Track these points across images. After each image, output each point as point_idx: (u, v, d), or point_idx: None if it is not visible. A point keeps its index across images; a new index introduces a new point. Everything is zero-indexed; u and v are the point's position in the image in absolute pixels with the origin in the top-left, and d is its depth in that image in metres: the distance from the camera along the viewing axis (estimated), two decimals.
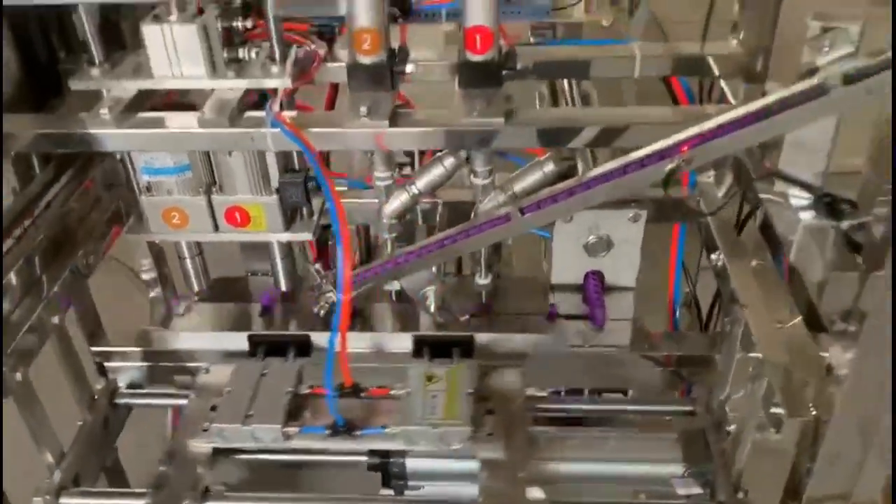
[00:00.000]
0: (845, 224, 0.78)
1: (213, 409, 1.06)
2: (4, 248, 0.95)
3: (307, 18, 1.02)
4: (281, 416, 1.02)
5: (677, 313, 1.24)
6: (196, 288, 1.25)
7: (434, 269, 1.12)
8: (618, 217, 1.11)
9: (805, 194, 0.82)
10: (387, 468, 1.03)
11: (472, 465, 1.01)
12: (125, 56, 0.99)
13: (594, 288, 1.16)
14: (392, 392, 1.07)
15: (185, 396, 1.13)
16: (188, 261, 1.22)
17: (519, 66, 1.00)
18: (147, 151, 1.01)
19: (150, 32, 0.91)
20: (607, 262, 1.16)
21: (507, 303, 1.21)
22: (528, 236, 1.14)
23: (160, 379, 1.22)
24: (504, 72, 0.97)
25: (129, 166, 1.05)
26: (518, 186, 1.02)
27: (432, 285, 1.13)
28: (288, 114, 0.94)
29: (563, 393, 1.20)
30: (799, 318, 0.87)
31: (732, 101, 1.03)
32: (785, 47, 0.89)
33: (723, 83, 1.04)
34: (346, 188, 1.20)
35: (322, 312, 1.16)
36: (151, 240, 1.17)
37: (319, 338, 1.16)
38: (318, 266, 1.17)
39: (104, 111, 0.94)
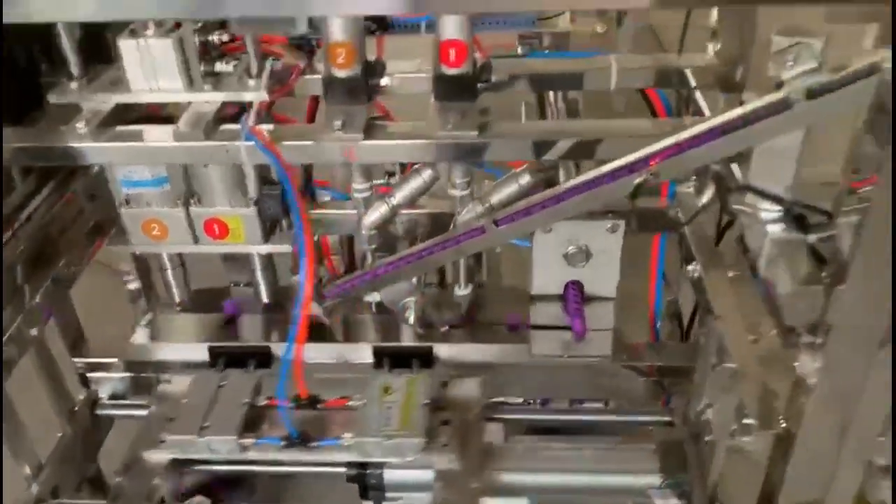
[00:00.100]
0: (812, 237, 0.78)
1: (171, 420, 1.06)
2: None
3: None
4: (237, 428, 1.03)
5: (658, 323, 1.24)
6: (178, 299, 1.25)
7: (414, 280, 1.13)
8: (596, 227, 1.11)
9: (775, 207, 0.83)
10: (364, 479, 1.03)
11: None
12: (105, 70, 0.99)
13: (574, 298, 1.16)
14: (349, 403, 1.08)
15: None
16: (170, 272, 1.23)
17: (495, 79, 1.01)
18: (124, 165, 1.02)
19: (127, 47, 0.92)
20: (587, 272, 1.16)
21: (487, 313, 1.21)
22: (516, 245, 1.14)
23: (143, 390, 1.22)
24: (479, 84, 0.97)
25: (109, 179, 1.06)
26: (495, 198, 1.03)
27: (412, 296, 1.14)
28: (265, 126, 0.95)
29: (537, 402, 1.21)
30: (773, 330, 0.87)
31: (707, 112, 1.03)
32: (762, 58, 0.89)
33: (698, 95, 1.04)
34: (328, 198, 1.21)
35: None
36: (132, 251, 1.17)
37: (280, 349, 1.16)
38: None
39: (80, 125, 0.95)
